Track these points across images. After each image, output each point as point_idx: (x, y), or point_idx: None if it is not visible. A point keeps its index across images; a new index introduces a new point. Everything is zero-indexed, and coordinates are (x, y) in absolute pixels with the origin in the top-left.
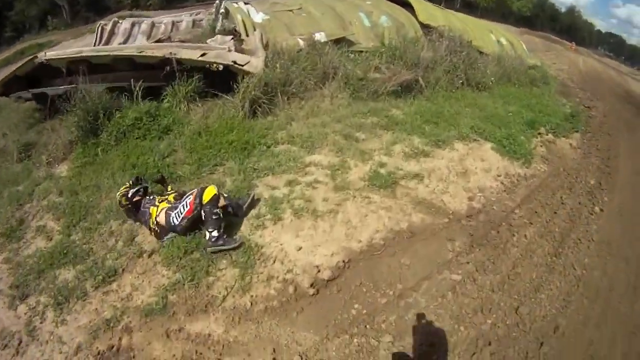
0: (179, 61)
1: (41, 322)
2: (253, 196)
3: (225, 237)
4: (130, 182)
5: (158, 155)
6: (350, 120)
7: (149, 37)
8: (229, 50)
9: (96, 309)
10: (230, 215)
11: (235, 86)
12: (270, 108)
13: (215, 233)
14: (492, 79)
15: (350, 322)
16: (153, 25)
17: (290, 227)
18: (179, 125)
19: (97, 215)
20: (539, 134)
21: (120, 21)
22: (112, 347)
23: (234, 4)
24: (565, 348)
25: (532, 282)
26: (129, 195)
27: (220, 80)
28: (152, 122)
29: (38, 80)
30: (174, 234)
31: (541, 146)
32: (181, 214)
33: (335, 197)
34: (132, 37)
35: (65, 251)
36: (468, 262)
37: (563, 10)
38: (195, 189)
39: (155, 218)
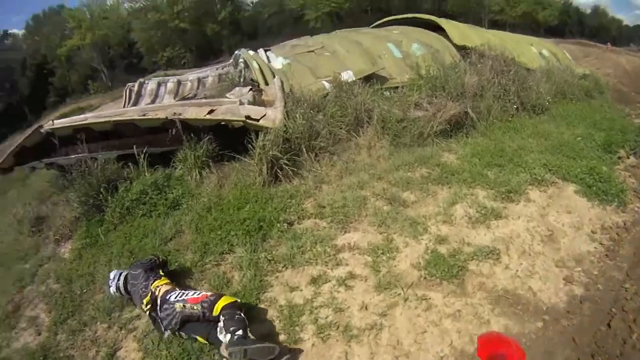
0: (186, 122)
1: None
2: None
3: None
4: None
5: (160, 238)
6: (394, 175)
7: (175, 96)
8: (241, 104)
9: None
10: None
11: (251, 146)
12: (295, 170)
13: (240, 332)
14: (548, 98)
15: None
16: (179, 83)
17: (312, 355)
18: (188, 198)
19: (85, 314)
20: (619, 158)
21: (146, 82)
22: None
23: (251, 52)
24: None
25: None
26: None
27: (239, 138)
28: (158, 196)
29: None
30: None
31: (629, 176)
32: (185, 295)
33: (378, 302)
34: (158, 97)
35: (45, 355)
36: None
37: (589, 12)
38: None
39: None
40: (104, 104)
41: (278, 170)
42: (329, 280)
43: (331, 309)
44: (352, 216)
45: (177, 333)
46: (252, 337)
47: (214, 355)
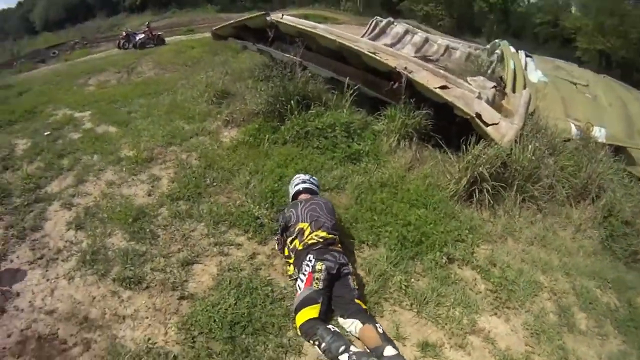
0: (411, 82)
1: None
2: None
3: None
4: None
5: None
6: (587, 281)
7: (417, 51)
8: (479, 97)
9: None
10: None
11: (465, 146)
12: (492, 201)
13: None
14: None
15: None
16: (427, 41)
17: None
18: (371, 159)
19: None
20: None
21: (395, 23)
22: None
23: (512, 48)
24: None
25: None
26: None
27: (456, 129)
28: (344, 139)
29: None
30: None
31: None
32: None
33: None
34: (400, 43)
35: None
36: None
37: None
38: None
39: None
40: (348, 24)
41: (476, 191)
42: (439, 355)
43: None
44: (515, 301)
45: None
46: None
47: None
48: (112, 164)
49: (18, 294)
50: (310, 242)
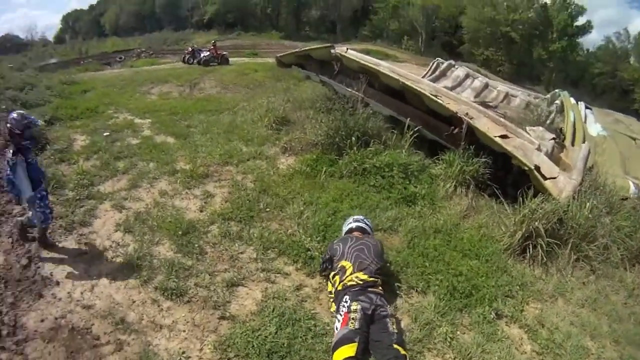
0: (471, 128)
1: None
2: None
3: None
4: None
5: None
6: (633, 354)
7: (477, 96)
8: (538, 149)
9: None
10: None
11: (521, 198)
12: (546, 258)
13: None
14: None
15: None
16: (487, 86)
17: None
18: (427, 203)
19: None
20: None
21: (456, 66)
22: None
23: (572, 100)
24: None
25: None
26: None
27: (512, 179)
28: (401, 180)
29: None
30: None
31: None
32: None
33: None
34: (461, 86)
35: None
36: None
37: None
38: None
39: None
40: (408, 62)
41: (530, 246)
42: None
43: None
44: None
45: None
46: None
47: None
48: (167, 175)
49: (58, 283)
50: (349, 283)
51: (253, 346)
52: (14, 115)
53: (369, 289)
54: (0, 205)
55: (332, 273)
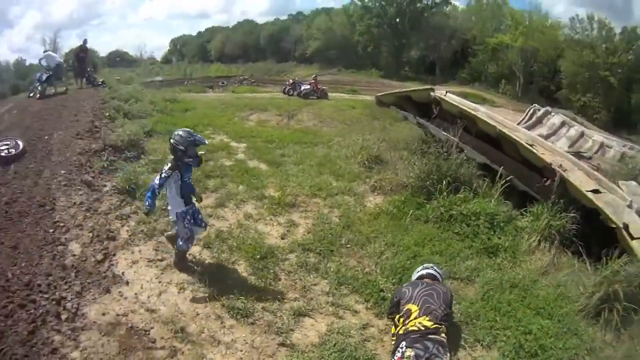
0: (563, 180)
1: None
2: None
3: None
4: None
5: (451, 273)
6: None
7: (571, 145)
8: (629, 207)
9: None
10: None
11: (604, 258)
12: (619, 323)
13: None
14: None
15: None
16: (582, 135)
17: None
18: (508, 256)
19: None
20: None
21: (553, 113)
22: None
23: None
24: None
25: None
26: None
27: (599, 236)
28: (486, 230)
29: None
30: None
31: None
32: None
33: None
34: (556, 135)
35: None
36: None
37: None
38: None
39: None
40: (504, 107)
41: (605, 309)
42: None
43: None
44: None
45: None
46: None
47: None
48: (255, 199)
49: (127, 283)
50: (411, 328)
51: None
52: (180, 132)
53: (429, 336)
54: (88, 202)
55: (398, 316)
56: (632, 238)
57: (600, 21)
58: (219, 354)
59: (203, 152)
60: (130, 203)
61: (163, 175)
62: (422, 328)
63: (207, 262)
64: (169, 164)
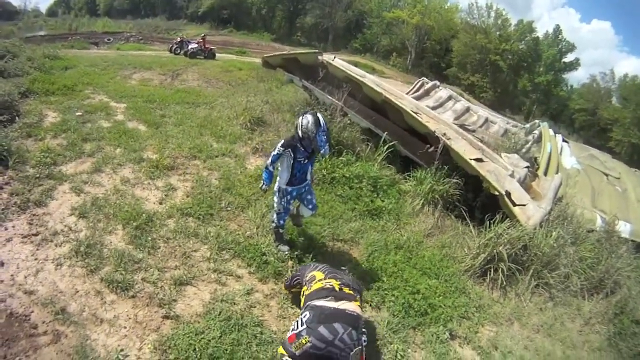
0: (447, 148)
1: None
2: None
3: None
4: None
5: (328, 233)
6: None
7: (457, 118)
8: (512, 176)
9: None
10: None
11: (488, 222)
12: (504, 282)
13: None
14: None
15: None
16: (468, 110)
17: None
18: (391, 218)
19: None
20: None
21: (440, 87)
22: None
23: (551, 131)
24: None
25: None
26: None
27: (481, 203)
28: (369, 192)
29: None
30: None
31: None
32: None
33: None
34: (442, 107)
35: None
36: None
37: None
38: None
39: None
40: (393, 78)
41: (491, 269)
42: None
43: None
44: None
45: None
46: None
47: None
48: (133, 162)
49: (2, 264)
50: (318, 287)
51: (194, 349)
52: (311, 119)
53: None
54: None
55: (303, 287)
56: (515, 205)
57: (497, 11)
58: (103, 333)
59: (80, 113)
60: (2, 172)
61: (275, 152)
62: (329, 286)
63: (83, 233)
64: (282, 141)
